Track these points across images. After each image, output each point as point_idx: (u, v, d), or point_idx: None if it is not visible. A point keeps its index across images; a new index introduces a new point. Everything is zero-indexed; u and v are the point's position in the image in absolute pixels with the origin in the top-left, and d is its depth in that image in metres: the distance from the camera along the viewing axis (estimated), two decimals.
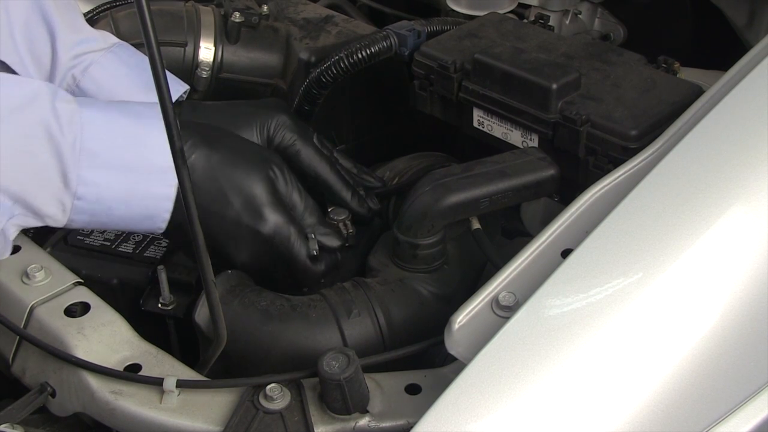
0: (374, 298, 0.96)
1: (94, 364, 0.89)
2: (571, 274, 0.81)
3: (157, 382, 0.86)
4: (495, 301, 0.83)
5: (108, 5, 1.35)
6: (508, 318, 0.79)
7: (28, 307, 0.96)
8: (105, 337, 0.92)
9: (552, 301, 0.79)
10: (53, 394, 0.92)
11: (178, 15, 1.32)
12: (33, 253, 1.03)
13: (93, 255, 1.10)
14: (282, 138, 1.10)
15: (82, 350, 0.91)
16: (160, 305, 1.04)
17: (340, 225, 1.08)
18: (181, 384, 0.86)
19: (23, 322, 0.96)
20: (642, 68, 1.12)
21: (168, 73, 0.87)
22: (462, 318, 0.82)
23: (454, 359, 0.82)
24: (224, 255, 1.00)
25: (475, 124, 1.15)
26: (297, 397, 0.84)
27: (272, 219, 0.99)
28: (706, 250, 0.81)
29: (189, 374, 0.89)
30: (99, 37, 1.17)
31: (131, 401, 0.86)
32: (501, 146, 1.12)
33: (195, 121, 1.06)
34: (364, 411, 0.83)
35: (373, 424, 0.83)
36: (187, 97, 1.21)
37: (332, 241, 1.04)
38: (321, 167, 1.10)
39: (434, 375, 0.88)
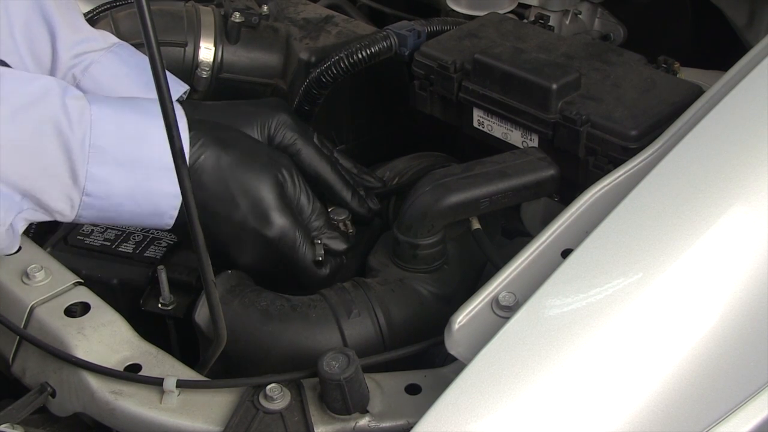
0: (374, 298, 0.96)
1: (94, 364, 0.89)
2: (571, 274, 0.81)
3: (157, 382, 0.86)
4: (495, 301, 0.83)
5: (108, 5, 1.35)
6: (508, 318, 0.79)
7: (28, 307, 0.96)
8: (105, 337, 0.92)
9: (552, 301, 0.79)
10: (53, 394, 0.92)
11: (178, 15, 1.32)
12: (33, 253, 1.03)
13: (93, 255, 1.10)
14: (282, 137, 1.10)
15: (82, 350, 0.91)
16: (160, 305, 1.03)
17: (340, 225, 1.08)
18: (181, 384, 0.86)
19: (23, 322, 0.96)
20: (642, 68, 1.12)
21: (168, 73, 0.87)
22: (462, 318, 0.82)
23: (454, 359, 0.82)
24: (228, 256, 1.00)
25: (475, 124, 1.15)
26: (297, 397, 0.84)
27: (279, 223, 0.99)
28: (706, 250, 0.81)
29: (189, 374, 0.89)
30: (99, 37, 1.17)
31: (131, 401, 0.86)
32: (501, 146, 1.12)
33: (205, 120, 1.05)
34: (364, 411, 0.83)
35: (373, 424, 0.83)
36: (187, 97, 1.21)
37: (339, 245, 1.04)
38: (321, 167, 1.10)
39: (434, 375, 0.87)
